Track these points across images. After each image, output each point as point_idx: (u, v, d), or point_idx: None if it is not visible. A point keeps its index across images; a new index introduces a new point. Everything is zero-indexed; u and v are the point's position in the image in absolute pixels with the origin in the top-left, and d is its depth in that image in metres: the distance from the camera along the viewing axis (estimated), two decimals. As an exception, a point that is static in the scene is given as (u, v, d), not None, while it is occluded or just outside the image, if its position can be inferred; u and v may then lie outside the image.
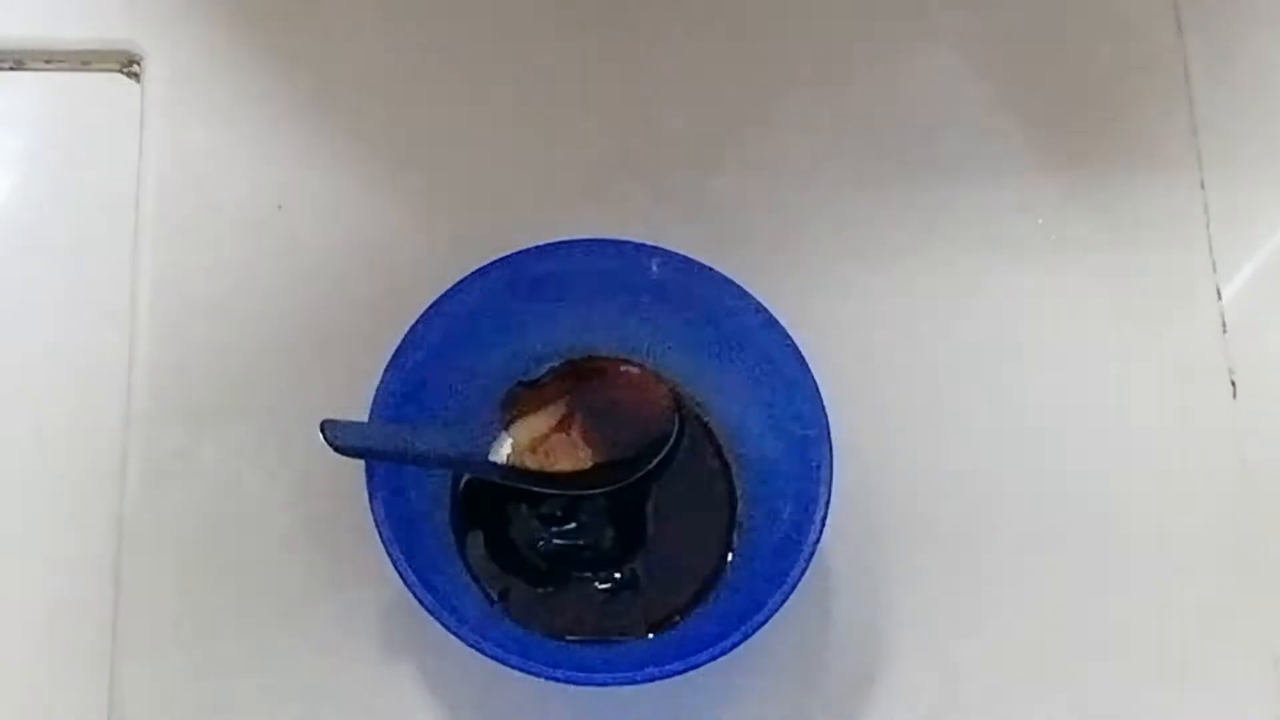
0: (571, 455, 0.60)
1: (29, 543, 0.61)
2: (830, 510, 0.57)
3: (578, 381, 0.61)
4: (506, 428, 0.60)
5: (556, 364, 0.62)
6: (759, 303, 0.60)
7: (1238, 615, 0.63)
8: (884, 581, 0.63)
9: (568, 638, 0.59)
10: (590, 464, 0.60)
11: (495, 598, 0.60)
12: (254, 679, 0.60)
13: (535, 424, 0.60)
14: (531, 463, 0.60)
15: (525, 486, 0.60)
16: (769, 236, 0.66)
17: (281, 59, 0.68)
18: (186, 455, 0.62)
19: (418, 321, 0.59)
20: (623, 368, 0.62)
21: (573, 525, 0.61)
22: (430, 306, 0.59)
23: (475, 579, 0.60)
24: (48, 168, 0.65)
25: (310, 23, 0.69)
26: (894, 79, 0.69)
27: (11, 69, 0.67)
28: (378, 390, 0.58)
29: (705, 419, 0.63)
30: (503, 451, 0.60)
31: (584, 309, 0.62)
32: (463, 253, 0.60)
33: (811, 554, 0.57)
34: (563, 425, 0.60)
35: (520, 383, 0.62)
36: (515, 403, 0.61)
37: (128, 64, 0.67)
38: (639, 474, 0.60)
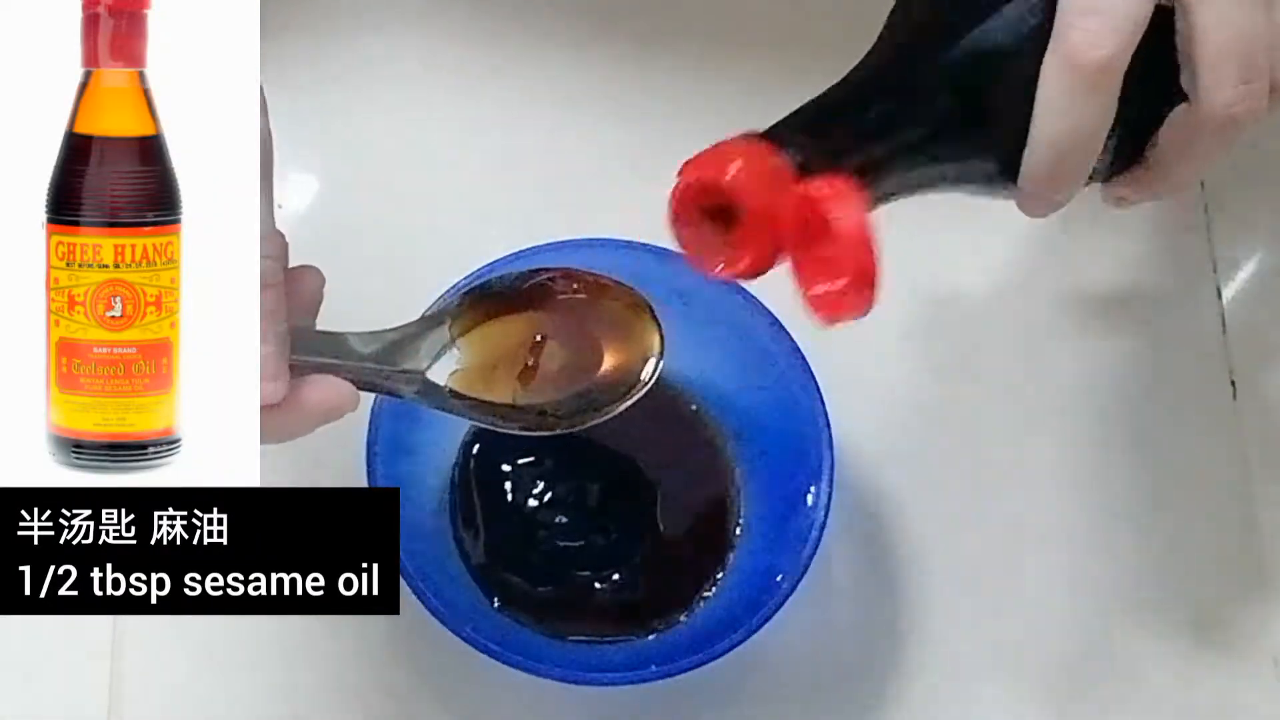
0: (516, 383, 0.52)
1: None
2: (831, 510, 0.57)
3: (548, 299, 0.52)
4: (454, 341, 0.51)
5: (524, 273, 0.52)
6: (774, 316, 0.60)
7: (1238, 615, 0.63)
8: (884, 581, 0.63)
9: (568, 637, 0.60)
10: (540, 400, 0.51)
11: (495, 597, 0.60)
12: (254, 678, 0.60)
13: (490, 343, 0.51)
14: (479, 389, 0.51)
15: (461, 416, 0.51)
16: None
17: (278, 57, 0.68)
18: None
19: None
20: (607, 300, 0.52)
21: (573, 524, 0.61)
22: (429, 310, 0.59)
23: (475, 579, 0.60)
24: None
25: (307, 21, 0.69)
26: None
27: None
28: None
29: (706, 419, 0.63)
30: (445, 370, 0.50)
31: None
32: (463, 253, 0.60)
33: (812, 553, 0.57)
34: (519, 352, 0.52)
35: (480, 289, 0.52)
36: (468, 313, 0.51)
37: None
38: (587, 423, 0.51)
